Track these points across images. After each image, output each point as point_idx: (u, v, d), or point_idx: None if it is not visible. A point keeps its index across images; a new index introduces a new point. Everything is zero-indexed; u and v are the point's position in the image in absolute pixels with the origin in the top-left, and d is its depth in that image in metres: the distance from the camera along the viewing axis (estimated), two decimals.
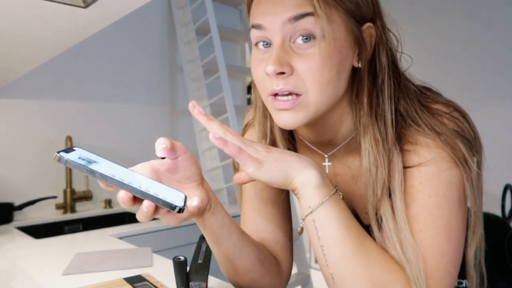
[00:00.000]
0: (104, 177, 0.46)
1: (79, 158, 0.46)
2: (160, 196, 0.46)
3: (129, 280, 0.83)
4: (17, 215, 1.66)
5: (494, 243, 0.96)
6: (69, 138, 1.74)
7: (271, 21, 0.55)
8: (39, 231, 1.58)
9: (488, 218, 1.04)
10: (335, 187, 0.57)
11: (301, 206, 0.57)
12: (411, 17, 2.34)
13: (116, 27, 1.96)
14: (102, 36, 1.93)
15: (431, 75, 0.66)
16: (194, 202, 0.51)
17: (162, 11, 2.22)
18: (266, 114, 0.70)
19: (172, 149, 0.51)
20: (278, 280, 0.74)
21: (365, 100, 0.59)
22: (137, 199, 0.47)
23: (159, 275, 0.86)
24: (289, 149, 0.75)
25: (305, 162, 0.56)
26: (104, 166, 0.47)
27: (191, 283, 0.68)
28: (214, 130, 0.53)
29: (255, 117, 0.73)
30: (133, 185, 0.46)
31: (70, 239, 1.33)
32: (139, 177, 0.49)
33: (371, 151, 0.58)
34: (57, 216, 1.70)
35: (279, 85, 0.55)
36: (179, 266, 0.68)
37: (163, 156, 0.51)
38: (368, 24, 0.58)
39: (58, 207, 1.75)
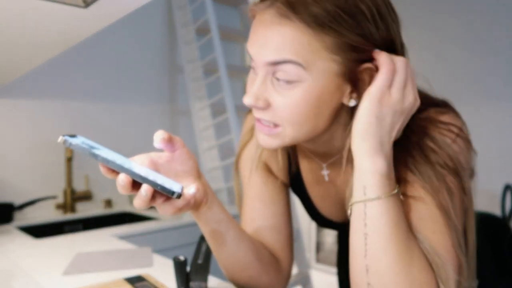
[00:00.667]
0: (106, 161, 0.47)
1: (82, 143, 0.49)
2: (159, 182, 0.48)
3: (129, 280, 0.83)
4: (17, 215, 1.66)
5: (494, 243, 0.96)
6: None
7: (256, 57, 0.56)
8: (39, 231, 1.58)
9: (488, 218, 1.04)
10: (398, 188, 0.55)
11: (355, 181, 0.55)
12: (410, 18, 2.34)
13: (116, 27, 1.96)
14: (102, 36, 1.93)
15: (430, 75, 0.66)
16: (191, 190, 0.52)
17: (162, 11, 2.22)
18: None
19: (170, 141, 0.53)
20: (277, 278, 0.74)
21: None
22: (135, 186, 0.49)
23: (159, 275, 0.86)
24: (289, 154, 0.76)
25: (382, 150, 0.53)
26: (105, 152, 0.49)
27: (191, 283, 0.68)
28: None
29: None
30: (134, 170, 0.48)
31: (70, 239, 1.33)
32: (138, 165, 0.51)
33: None
34: (57, 216, 1.70)
35: (257, 114, 0.58)
36: (179, 266, 0.68)
37: (160, 147, 0.53)
38: (367, 65, 0.55)
39: (58, 207, 1.75)
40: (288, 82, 0.54)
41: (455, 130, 0.59)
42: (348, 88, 0.56)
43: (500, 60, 2.04)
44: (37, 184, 1.76)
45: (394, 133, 0.54)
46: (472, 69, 2.13)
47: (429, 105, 0.61)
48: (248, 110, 0.83)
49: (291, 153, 0.76)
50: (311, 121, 0.56)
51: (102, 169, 0.49)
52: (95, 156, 0.47)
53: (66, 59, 1.82)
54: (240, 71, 2.41)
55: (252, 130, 0.80)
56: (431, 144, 0.58)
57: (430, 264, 0.53)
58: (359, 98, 0.56)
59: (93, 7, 0.75)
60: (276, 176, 0.78)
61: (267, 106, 0.56)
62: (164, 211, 0.52)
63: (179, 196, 0.49)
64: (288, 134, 0.57)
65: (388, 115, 0.52)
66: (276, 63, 0.54)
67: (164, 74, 2.22)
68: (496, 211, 1.70)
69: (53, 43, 1.02)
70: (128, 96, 2.07)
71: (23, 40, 0.98)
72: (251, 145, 0.79)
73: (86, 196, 1.81)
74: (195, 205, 0.58)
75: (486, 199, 1.94)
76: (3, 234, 1.38)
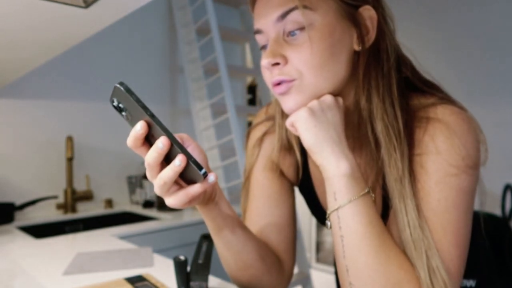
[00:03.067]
0: (153, 116, 0.46)
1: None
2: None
3: (130, 280, 0.83)
4: (18, 215, 1.66)
5: (494, 243, 0.96)
6: (69, 138, 1.74)
7: (264, 24, 0.60)
8: (40, 231, 1.58)
9: (488, 218, 1.05)
10: (368, 188, 0.57)
11: (326, 189, 0.57)
12: (410, 14, 2.34)
13: (116, 28, 1.96)
14: (102, 37, 1.94)
15: (429, 74, 0.66)
16: (211, 177, 0.51)
17: (162, 11, 2.22)
18: (283, 116, 0.73)
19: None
20: (278, 279, 0.74)
21: (372, 85, 0.60)
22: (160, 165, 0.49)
23: (159, 275, 0.87)
24: (302, 151, 0.76)
25: (338, 151, 0.56)
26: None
27: (191, 283, 0.68)
28: None
29: (275, 120, 0.75)
30: (174, 136, 0.47)
31: (71, 239, 1.33)
32: None
33: (384, 136, 0.59)
34: (58, 216, 1.70)
35: (275, 76, 0.59)
36: (180, 266, 0.68)
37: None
38: (366, 6, 0.60)
39: (59, 207, 1.75)
40: (300, 29, 0.57)
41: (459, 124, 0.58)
42: (354, 33, 0.60)
43: (499, 59, 2.04)
44: (38, 184, 1.76)
45: (340, 129, 0.58)
46: (471, 68, 2.13)
47: (426, 96, 0.62)
48: (248, 130, 0.83)
49: (302, 149, 0.76)
50: (328, 65, 0.58)
51: (139, 129, 0.47)
52: (145, 108, 0.45)
53: (67, 59, 1.83)
54: (240, 71, 2.42)
55: (259, 145, 0.79)
56: (438, 142, 0.57)
57: (409, 262, 0.54)
58: (363, 45, 0.60)
59: (93, 7, 0.75)
60: (284, 176, 0.78)
61: (285, 61, 0.58)
62: (177, 200, 0.51)
63: (206, 174, 0.48)
64: (308, 83, 0.58)
65: (322, 117, 0.56)
66: (284, 15, 0.57)
67: (164, 75, 2.23)
68: (496, 211, 1.70)
69: (54, 43, 1.02)
70: None
71: (24, 40, 0.98)
72: (259, 164, 0.78)
73: (87, 196, 1.81)
74: (205, 199, 0.58)
75: (486, 199, 1.94)
76: (4, 234, 1.39)
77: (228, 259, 0.68)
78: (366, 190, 0.56)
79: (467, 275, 0.74)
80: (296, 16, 0.57)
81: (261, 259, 0.69)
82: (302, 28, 0.57)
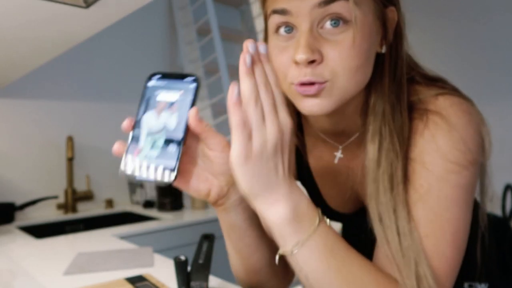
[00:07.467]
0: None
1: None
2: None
3: (130, 280, 0.83)
4: (19, 215, 1.66)
5: (494, 243, 0.96)
6: (69, 138, 1.74)
7: (298, 6, 0.51)
8: (40, 231, 1.59)
9: (489, 218, 1.04)
10: (318, 218, 0.50)
11: (272, 234, 0.50)
12: (411, 16, 2.34)
13: (117, 28, 1.96)
14: (103, 37, 1.94)
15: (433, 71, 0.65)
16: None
17: (163, 11, 2.22)
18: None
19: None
20: (284, 282, 0.73)
21: (386, 87, 0.57)
22: None
23: (160, 275, 0.87)
24: (296, 143, 0.74)
25: (277, 195, 0.48)
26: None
27: (192, 283, 0.68)
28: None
29: None
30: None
31: (71, 239, 1.33)
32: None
33: (382, 139, 0.56)
34: (58, 216, 1.70)
35: (306, 75, 0.52)
36: (180, 266, 0.68)
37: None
38: (391, 7, 0.57)
39: (59, 207, 1.75)
40: (340, 24, 0.51)
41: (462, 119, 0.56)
42: (380, 34, 0.56)
43: (499, 59, 2.04)
44: (38, 184, 1.76)
45: (282, 167, 0.48)
46: (471, 68, 2.13)
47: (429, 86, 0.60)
48: None
49: (300, 144, 0.75)
50: (362, 68, 0.53)
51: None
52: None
53: (67, 60, 1.83)
54: None
55: None
56: (438, 137, 0.55)
57: (383, 274, 0.51)
58: (386, 45, 0.57)
59: (94, 7, 0.76)
60: None
61: (321, 59, 0.51)
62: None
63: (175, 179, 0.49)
64: (340, 86, 0.52)
65: (261, 166, 0.46)
66: (327, 2, 0.50)
67: None
68: (496, 211, 1.70)
69: (54, 43, 1.02)
70: (129, 96, 2.07)
71: (24, 40, 0.98)
72: None
73: (87, 196, 1.82)
74: (212, 199, 0.56)
75: (486, 199, 1.94)
76: (4, 234, 1.39)
77: (237, 262, 0.67)
78: (316, 223, 0.50)
79: (479, 278, 0.72)
80: (340, 8, 0.50)
81: (270, 266, 0.67)
82: (342, 22, 0.51)
